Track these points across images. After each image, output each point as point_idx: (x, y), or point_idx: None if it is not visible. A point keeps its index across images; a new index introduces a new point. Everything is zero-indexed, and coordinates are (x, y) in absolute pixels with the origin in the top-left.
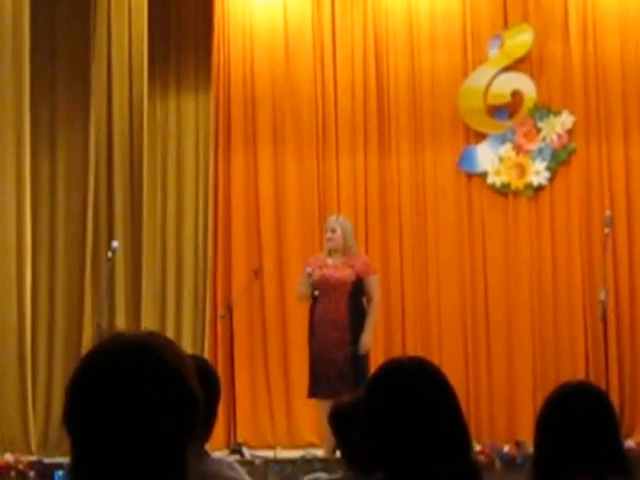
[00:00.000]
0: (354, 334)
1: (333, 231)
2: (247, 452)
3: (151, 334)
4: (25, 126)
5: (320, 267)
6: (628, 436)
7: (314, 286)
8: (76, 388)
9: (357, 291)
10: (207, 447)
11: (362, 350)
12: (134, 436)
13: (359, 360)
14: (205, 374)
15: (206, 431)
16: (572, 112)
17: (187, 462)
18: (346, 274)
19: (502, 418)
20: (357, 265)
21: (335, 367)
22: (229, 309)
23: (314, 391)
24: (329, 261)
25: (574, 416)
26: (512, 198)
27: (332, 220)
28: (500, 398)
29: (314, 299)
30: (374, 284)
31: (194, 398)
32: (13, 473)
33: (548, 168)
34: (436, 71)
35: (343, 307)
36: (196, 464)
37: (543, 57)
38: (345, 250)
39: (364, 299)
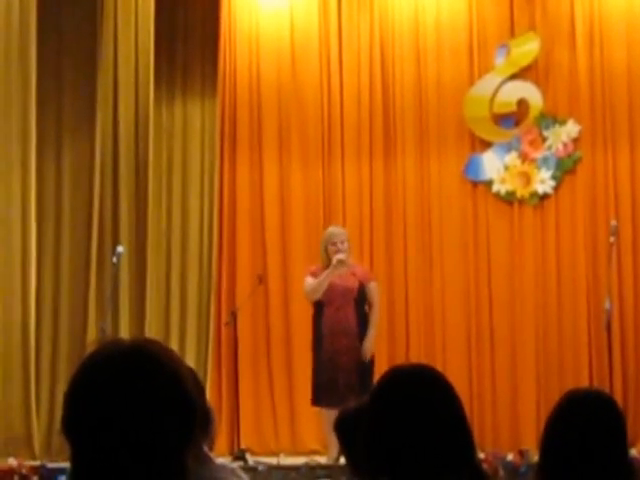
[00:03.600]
0: (362, 341)
1: (342, 242)
2: (250, 458)
3: (147, 340)
4: (31, 132)
5: None
6: (632, 446)
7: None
8: (73, 395)
9: (361, 298)
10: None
11: (366, 356)
12: (133, 441)
13: (366, 367)
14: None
15: (206, 437)
16: (578, 121)
17: (188, 467)
18: (351, 282)
19: (506, 426)
20: (358, 273)
21: (343, 375)
22: (233, 315)
23: (319, 399)
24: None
25: (582, 424)
26: (517, 206)
27: (341, 232)
28: (504, 406)
29: (318, 307)
30: (375, 290)
31: (191, 402)
32: (16, 478)
33: (553, 177)
34: (442, 79)
35: (351, 315)
36: (199, 470)
37: (549, 66)
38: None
39: (366, 306)
